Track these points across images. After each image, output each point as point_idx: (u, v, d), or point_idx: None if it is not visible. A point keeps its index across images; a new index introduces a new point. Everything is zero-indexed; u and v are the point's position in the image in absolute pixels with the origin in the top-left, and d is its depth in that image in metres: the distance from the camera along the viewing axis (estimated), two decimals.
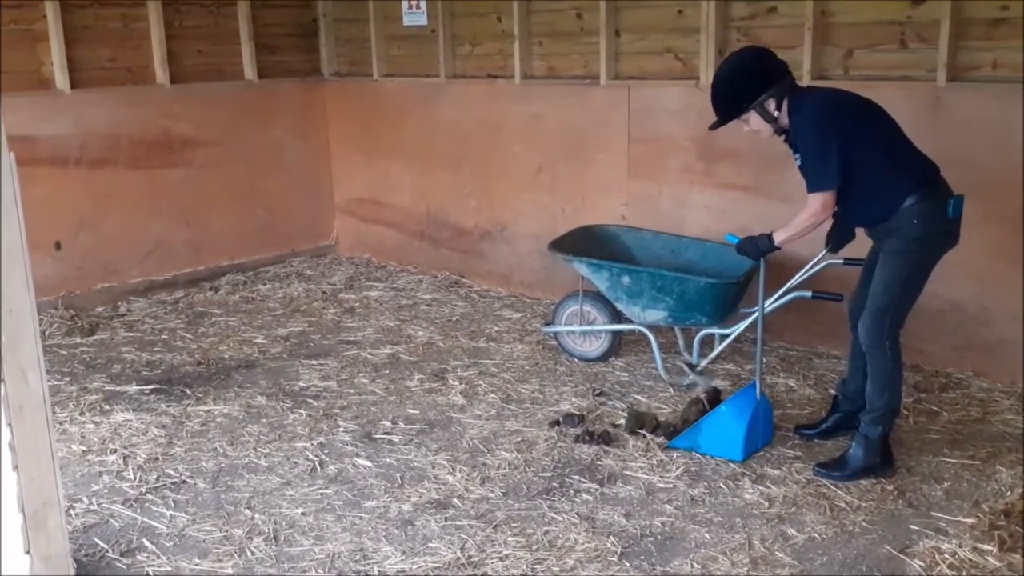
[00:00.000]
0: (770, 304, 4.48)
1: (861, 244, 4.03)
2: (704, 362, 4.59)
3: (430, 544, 3.48)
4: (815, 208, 3.73)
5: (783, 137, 3.91)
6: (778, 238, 3.90)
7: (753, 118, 3.86)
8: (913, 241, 3.72)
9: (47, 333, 5.85)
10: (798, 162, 3.81)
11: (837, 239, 4.12)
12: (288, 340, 5.81)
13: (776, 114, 3.82)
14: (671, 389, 4.85)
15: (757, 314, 4.21)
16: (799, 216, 3.81)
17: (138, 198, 6.67)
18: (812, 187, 3.72)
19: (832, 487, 3.80)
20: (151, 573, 3.36)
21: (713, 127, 3.99)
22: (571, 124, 6.17)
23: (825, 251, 4.21)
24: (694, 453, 4.11)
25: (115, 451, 4.28)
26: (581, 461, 4.10)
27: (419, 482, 3.96)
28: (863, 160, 3.68)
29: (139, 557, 3.45)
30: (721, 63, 4.08)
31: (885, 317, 3.78)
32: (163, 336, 5.94)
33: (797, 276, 4.50)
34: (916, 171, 3.74)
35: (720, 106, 3.90)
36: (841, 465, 3.89)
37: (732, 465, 4.00)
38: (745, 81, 3.82)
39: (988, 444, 4.15)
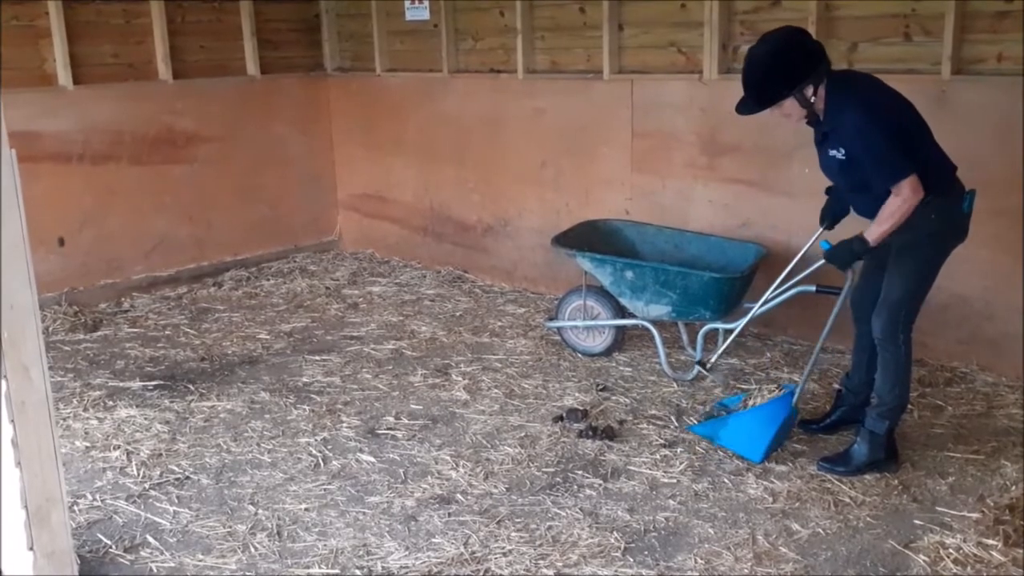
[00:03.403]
0: (773, 298, 4.47)
1: (853, 226, 3.95)
2: (713, 358, 4.58)
3: (433, 539, 3.48)
4: (905, 194, 3.51)
5: (806, 121, 3.76)
6: (871, 236, 3.64)
7: (788, 103, 3.65)
8: (929, 236, 3.69)
9: (50, 329, 5.86)
10: (838, 155, 3.65)
11: (832, 215, 4.09)
12: (291, 336, 5.81)
13: (812, 99, 3.66)
14: (675, 384, 4.84)
15: (828, 324, 4.02)
16: (887, 208, 3.57)
17: (141, 194, 6.67)
18: (894, 178, 3.52)
19: (836, 482, 3.79)
20: (154, 569, 3.36)
21: (744, 112, 3.76)
22: (574, 119, 6.16)
23: (821, 230, 4.16)
24: (697, 448, 4.10)
25: (118, 447, 4.28)
26: (584, 456, 4.10)
27: (422, 478, 3.96)
28: (897, 142, 3.58)
29: (143, 553, 3.45)
30: (757, 44, 3.73)
31: (901, 311, 3.75)
32: (166, 332, 5.94)
33: (789, 266, 4.48)
34: (937, 168, 3.70)
35: (757, 92, 3.67)
36: (845, 460, 3.88)
37: (736, 460, 3.99)
38: (786, 66, 3.59)
39: (993, 439, 4.14)
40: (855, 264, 3.85)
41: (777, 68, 3.62)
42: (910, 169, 3.52)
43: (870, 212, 3.80)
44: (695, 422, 4.32)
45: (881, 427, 3.83)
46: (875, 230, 3.65)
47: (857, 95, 3.65)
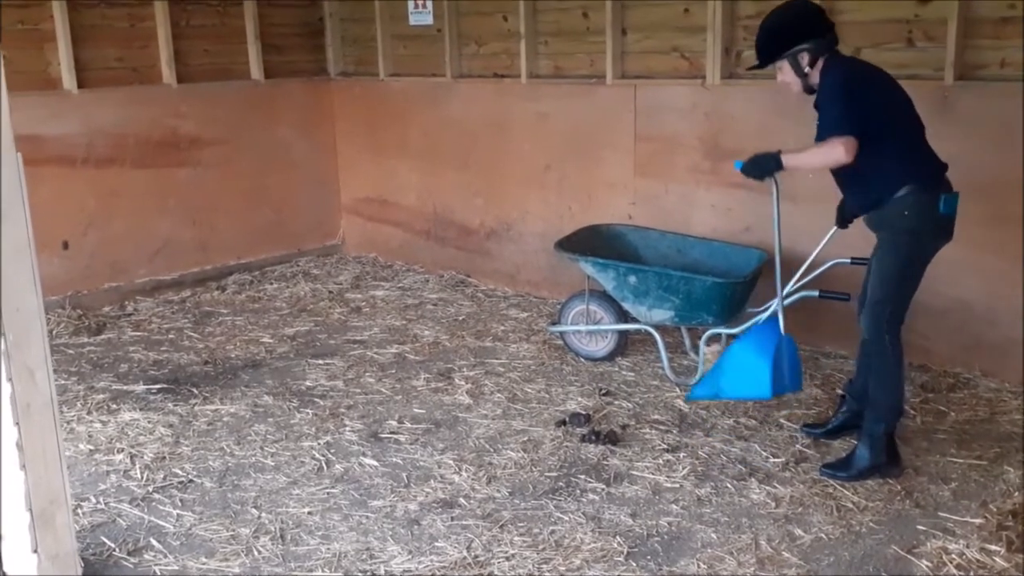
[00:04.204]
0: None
1: (868, 240, 4.01)
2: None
3: (436, 543, 3.48)
4: (835, 146, 3.58)
5: (813, 98, 3.87)
6: (786, 160, 3.81)
7: (785, 68, 3.85)
8: (903, 233, 3.74)
9: (54, 332, 5.87)
10: (816, 123, 3.78)
11: (847, 214, 4.11)
12: (295, 339, 5.82)
13: (807, 70, 3.80)
14: (677, 389, 4.84)
15: (775, 233, 4.11)
16: (815, 147, 3.71)
17: (145, 197, 6.68)
18: (832, 130, 3.61)
19: (839, 487, 3.79)
20: (158, 572, 3.36)
21: (751, 68, 4.04)
22: (577, 123, 6.17)
23: (835, 229, 4.21)
24: (700, 453, 4.10)
25: (122, 450, 4.29)
26: (587, 461, 4.10)
27: (425, 481, 3.96)
28: (875, 136, 3.64)
29: (146, 556, 3.46)
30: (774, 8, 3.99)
31: (884, 312, 3.79)
32: (170, 335, 5.95)
33: (798, 272, 4.49)
34: (918, 163, 3.74)
35: (759, 48, 3.92)
36: (847, 465, 3.88)
37: (739, 465, 3.99)
38: (784, 29, 3.82)
39: (996, 444, 4.14)
40: (771, 179, 3.97)
41: (776, 29, 3.85)
42: (851, 131, 3.58)
43: (858, 204, 3.87)
44: (689, 388, 4.27)
45: (877, 429, 3.83)
46: (793, 155, 3.81)
47: (844, 65, 3.81)
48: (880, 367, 3.85)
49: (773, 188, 4.03)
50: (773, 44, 3.84)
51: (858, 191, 3.85)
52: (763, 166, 3.91)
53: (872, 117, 3.64)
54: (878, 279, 3.81)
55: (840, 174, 3.83)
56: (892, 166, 3.70)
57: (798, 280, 4.45)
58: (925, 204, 3.70)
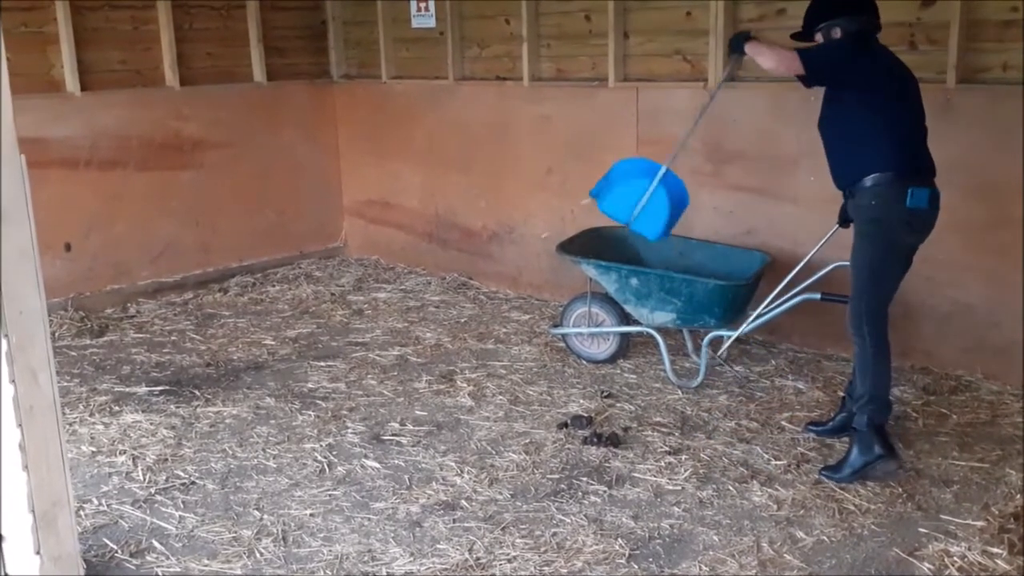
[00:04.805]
0: (780, 307, 4.52)
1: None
2: (722, 349, 4.70)
3: (438, 546, 3.49)
4: (792, 57, 3.82)
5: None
6: (749, 47, 4.03)
7: (818, 39, 3.98)
8: (869, 223, 3.81)
9: (57, 334, 5.87)
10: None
11: (846, 216, 4.14)
12: (297, 342, 5.83)
13: None
14: (679, 391, 4.84)
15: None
16: (778, 51, 3.92)
17: (148, 200, 6.69)
18: (799, 52, 3.83)
19: (840, 490, 3.79)
20: (160, 574, 3.37)
21: (793, 35, 4.14)
22: (580, 126, 6.17)
23: (836, 227, 4.25)
24: (701, 455, 4.11)
25: (124, 452, 4.30)
26: (589, 463, 4.10)
27: (427, 484, 3.96)
28: (862, 111, 3.77)
29: (148, 558, 3.46)
30: None
31: (860, 304, 3.85)
32: (172, 337, 5.95)
33: (793, 273, 4.50)
34: (896, 153, 3.77)
35: (804, 19, 4.06)
36: (841, 466, 3.88)
37: (741, 468, 3.99)
38: (821, 2, 3.99)
39: (997, 447, 4.14)
40: (733, 57, 4.28)
41: (816, 2, 4.03)
42: (805, 65, 3.79)
43: (834, 176, 3.96)
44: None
45: (862, 423, 3.84)
46: (757, 45, 4.02)
47: (860, 39, 3.88)
48: (859, 358, 3.90)
49: (730, 64, 4.45)
50: (812, 16, 3.99)
51: (835, 161, 3.95)
52: (733, 43, 4.19)
53: (872, 92, 3.75)
54: (854, 270, 3.90)
55: (825, 139, 3.95)
56: (870, 149, 3.78)
57: (795, 276, 4.46)
58: (891, 195, 3.75)
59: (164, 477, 4.07)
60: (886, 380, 3.90)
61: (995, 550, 3.32)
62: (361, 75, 7.57)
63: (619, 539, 3.48)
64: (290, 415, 4.70)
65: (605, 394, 4.85)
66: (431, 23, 6.89)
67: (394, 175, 7.40)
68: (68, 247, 6.36)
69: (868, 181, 3.77)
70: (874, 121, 3.77)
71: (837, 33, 3.90)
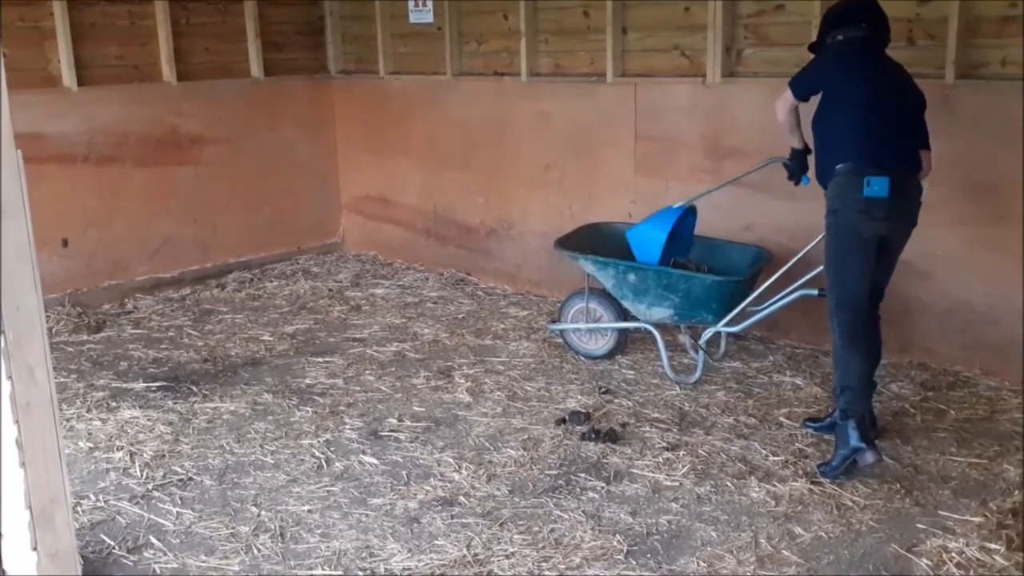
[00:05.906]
0: (777, 303, 4.52)
1: None
2: (702, 339, 4.76)
3: (436, 542, 3.48)
4: (781, 95, 4.12)
5: None
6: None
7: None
8: (830, 213, 3.89)
9: (54, 330, 5.87)
10: None
11: None
12: (294, 337, 5.82)
13: None
14: (677, 387, 4.84)
15: None
16: (778, 101, 4.19)
17: (145, 196, 6.68)
18: (790, 83, 4.09)
19: (838, 486, 3.78)
20: (158, 570, 3.36)
21: (810, 47, 4.30)
22: (578, 122, 6.16)
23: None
24: (699, 451, 4.10)
25: (122, 448, 4.29)
26: (587, 459, 4.10)
27: (425, 480, 3.96)
28: (838, 112, 3.88)
29: (146, 554, 3.46)
30: None
31: (832, 297, 3.91)
32: (170, 333, 5.95)
33: (784, 268, 4.51)
34: (863, 147, 3.80)
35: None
36: (831, 461, 3.88)
37: (739, 464, 3.99)
38: (826, 16, 4.16)
39: (996, 443, 4.14)
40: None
41: (823, 18, 4.21)
42: (795, 91, 4.06)
43: (819, 176, 4.02)
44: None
45: (837, 415, 3.88)
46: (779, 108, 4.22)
47: (851, 43, 3.99)
48: (833, 351, 3.96)
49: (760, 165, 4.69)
50: (820, 30, 4.16)
51: (815, 159, 4.04)
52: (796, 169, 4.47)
53: (837, 91, 3.88)
54: (824, 263, 3.97)
55: (812, 132, 4.05)
56: (839, 145, 3.86)
57: (792, 273, 4.47)
58: (847, 184, 3.80)
59: (161, 473, 4.07)
60: (856, 370, 3.88)
61: (993, 546, 3.32)
62: (359, 71, 7.56)
63: (617, 535, 3.48)
64: (288, 411, 4.69)
65: (603, 390, 4.84)
66: (429, 18, 6.88)
67: (392, 171, 7.39)
68: (65, 243, 6.35)
69: (835, 174, 3.85)
70: (844, 121, 3.86)
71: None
